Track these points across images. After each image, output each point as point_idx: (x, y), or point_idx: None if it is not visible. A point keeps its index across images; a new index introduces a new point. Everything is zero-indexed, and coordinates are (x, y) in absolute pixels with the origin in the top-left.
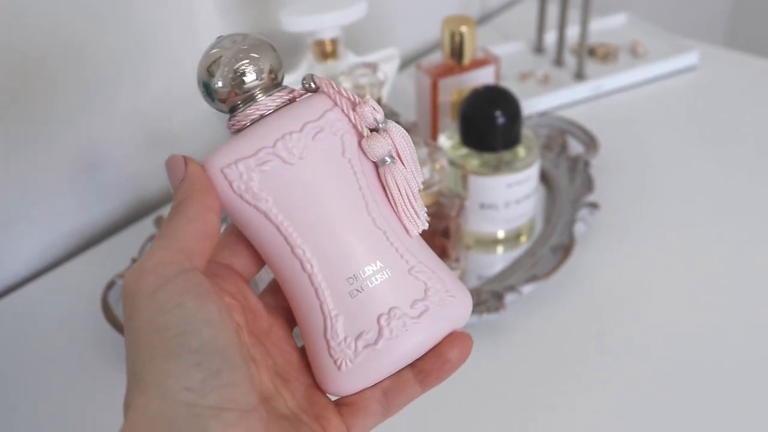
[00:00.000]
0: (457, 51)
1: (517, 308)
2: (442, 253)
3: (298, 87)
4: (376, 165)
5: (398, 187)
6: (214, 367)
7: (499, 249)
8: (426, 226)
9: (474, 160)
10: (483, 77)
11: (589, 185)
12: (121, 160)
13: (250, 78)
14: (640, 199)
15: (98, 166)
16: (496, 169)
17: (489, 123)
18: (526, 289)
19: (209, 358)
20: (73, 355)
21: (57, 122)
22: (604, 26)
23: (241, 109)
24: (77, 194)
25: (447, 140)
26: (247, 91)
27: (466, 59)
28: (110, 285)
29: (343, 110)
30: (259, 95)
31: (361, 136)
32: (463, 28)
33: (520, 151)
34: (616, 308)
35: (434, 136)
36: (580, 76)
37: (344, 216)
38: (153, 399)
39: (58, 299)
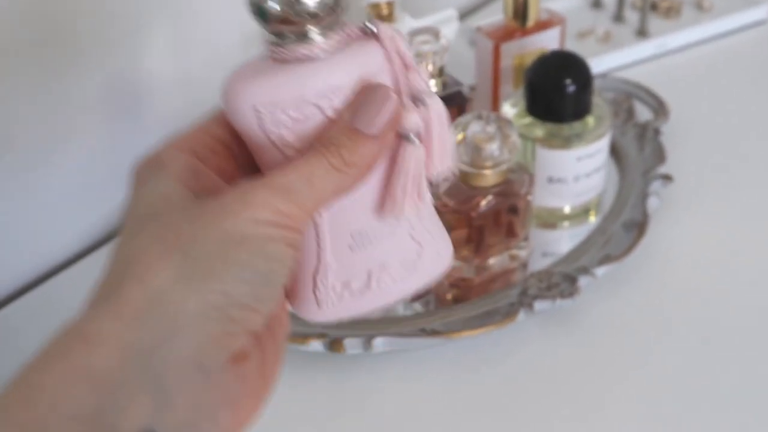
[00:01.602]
0: (520, 12)
1: (590, 291)
2: (509, 232)
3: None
4: (399, 135)
5: (406, 171)
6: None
7: (566, 224)
8: (423, 209)
9: (539, 130)
10: (548, 40)
11: (660, 155)
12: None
13: (310, 6)
14: (716, 168)
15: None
16: (567, 141)
17: (558, 92)
18: (600, 270)
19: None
20: None
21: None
22: None
23: (292, 39)
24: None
25: (510, 108)
26: (303, 22)
27: (531, 21)
28: None
29: (394, 71)
30: (314, 32)
31: (399, 103)
32: None
33: (590, 120)
34: (697, 289)
35: (495, 104)
36: (642, 32)
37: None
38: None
39: None
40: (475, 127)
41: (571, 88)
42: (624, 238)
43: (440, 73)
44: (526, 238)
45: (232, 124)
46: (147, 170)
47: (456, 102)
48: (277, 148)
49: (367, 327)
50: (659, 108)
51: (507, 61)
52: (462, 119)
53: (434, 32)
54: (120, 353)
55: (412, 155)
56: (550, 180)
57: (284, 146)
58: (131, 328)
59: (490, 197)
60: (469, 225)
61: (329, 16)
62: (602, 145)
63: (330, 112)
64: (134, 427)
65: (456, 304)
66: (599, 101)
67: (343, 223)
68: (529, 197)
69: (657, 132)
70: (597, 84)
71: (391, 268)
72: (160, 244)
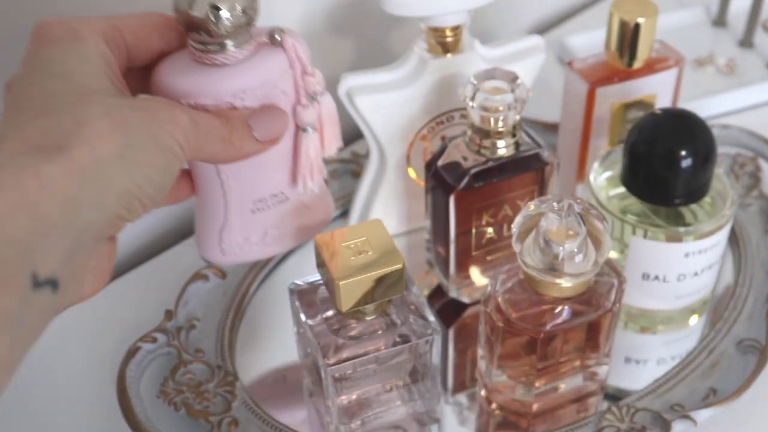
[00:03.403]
0: (627, 48)
1: None
2: (588, 345)
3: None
4: (298, 126)
5: (308, 155)
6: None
7: (659, 328)
8: (316, 189)
9: (635, 210)
10: (659, 85)
11: None
12: None
13: (227, 24)
14: None
15: None
16: (673, 231)
17: (669, 167)
18: (703, 414)
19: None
20: None
21: None
22: None
23: (212, 48)
24: None
25: (601, 172)
26: (221, 36)
27: (639, 61)
28: (132, 352)
29: (294, 76)
30: (230, 44)
31: (298, 101)
32: (641, 19)
33: (706, 203)
34: None
35: (582, 164)
36: None
37: (271, 157)
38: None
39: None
40: (551, 220)
41: (687, 164)
42: (737, 363)
43: (513, 130)
44: (607, 354)
45: None
46: (59, 32)
47: (532, 167)
48: None
49: None
50: None
51: (603, 108)
52: (535, 205)
53: (511, 78)
54: (59, 202)
55: (310, 142)
56: (646, 277)
57: None
58: (74, 183)
59: (564, 311)
60: (533, 343)
61: (243, 31)
62: (721, 237)
63: (241, 108)
64: (47, 272)
65: None
66: (720, 174)
67: (248, 192)
68: (617, 308)
69: None
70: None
71: (284, 226)
72: (109, 120)
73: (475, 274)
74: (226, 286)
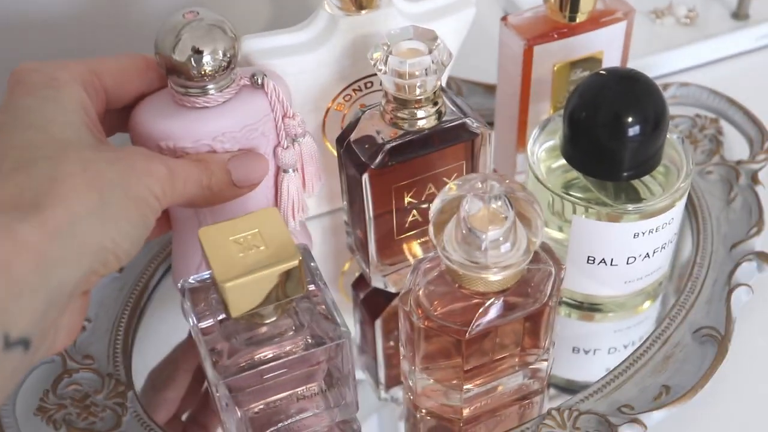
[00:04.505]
0: (568, 0)
1: None
2: (525, 341)
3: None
4: (279, 167)
5: (289, 195)
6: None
7: (609, 315)
8: (297, 227)
9: (580, 180)
10: (606, 40)
11: (758, 216)
12: None
13: (208, 68)
14: None
15: None
16: (616, 210)
17: (613, 135)
18: (655, 416)
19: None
20: None
21: None
22: None
23: (194, 92)
24: None
25: (540, 141)
26: (202, 80)
27: (583, 14)
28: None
29: (275, 118)
30: (211, 87)
31: (278, 142)
32: None
33: (659, 173)
34: None
35: (522, 131)
36: (740, 15)
37: (252, 197)
38: None
39: None
40: (472, 204)
41: (635, 132)
42: (694, 355)
43: (434, 97)
44: (547, 349)
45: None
46: (37, 79)
47: (459, 139)
48: None
49: None
50: (760, 140)
51: (544, 69)
52: (455, 186)
53: (429, 38)
54: (33, 262)
55: (291, 182)
56: (591, 260)
57: None
58: (49, 242)
59: (494, 306)
60: (458, 345)
61: (224, 75)
62: (674, 214)
63: (220, 150)
64: (18, 332)
65: None
66: (674, 141)
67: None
68: (554, 301)
69: (755, 179)
70: (672, 93)
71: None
72: (85, 176)
73: (408, 258)
74: (123, 280)
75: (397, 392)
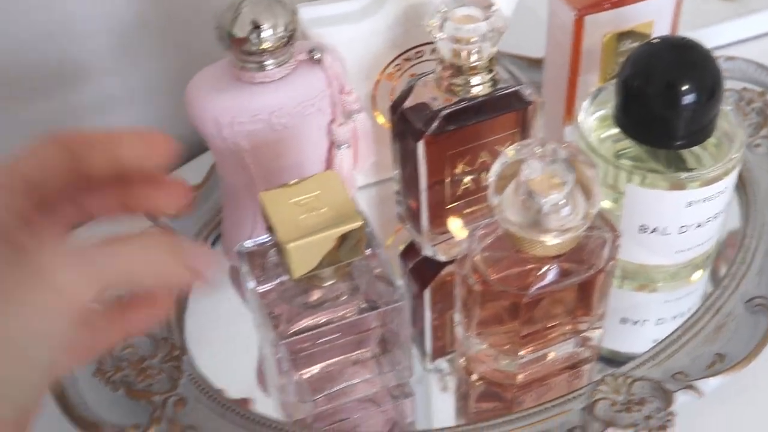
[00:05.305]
0: None
1: (690, 413)
2: (578, 308)
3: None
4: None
5: (341, 171)
6: None
7: (659, 286)
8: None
9: (631, 155)
10: (656, 11)
11: None
12: None
13: (268, 43)
14: None
15: None
16: (674, 177)
17: (668, 103)
18: (711, 383)
19: None
20: None
21: None
22: None
23: (252, 66)
24: None
25: (591, 111)
26: (261, 55)
27: None
28: None
29: (331, 94)
30: (269, 62)
31: (333, 118)
32: None
33: (711, 144)
34: None
35: (570, 103)
36: None
37: (305, 173)
38: None
39: None
40: (533, 168)
41: (690, 100)
42: (746, 325)
43: (490, 65)
44: (601, 316)
45: (196, 129)
46: None
47: (512, 107)
48: (234, 152)
49: None
50: None
51: (593, 39)
52: (514, 150)
53: (485, 5)
54: None
55: (344, 158)
56: (644, 229)
57: (239, 151)
58: None
59: (550, 271)
60: (516, 308)
61: (282, 50)
62: (728, 183)
63: (277, 126)
64: None
65: (484, 421)
66: (727, 112)
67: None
68: (610, 267)
69: None
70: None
71: None
72: None
73: (454, 228)
74: None
75: (443, 364)
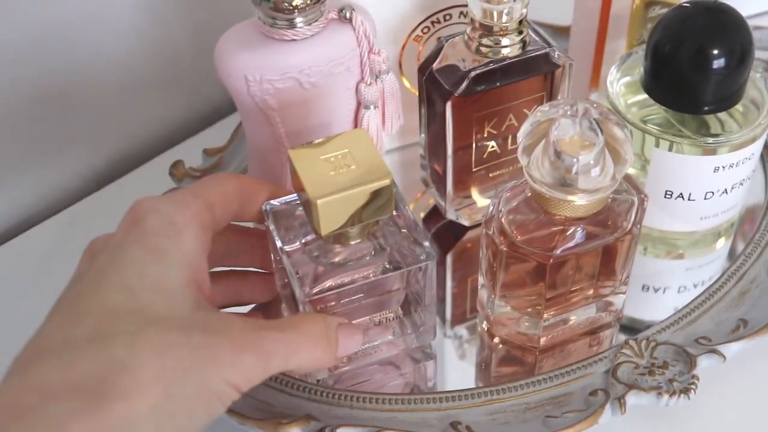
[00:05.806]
0: None
1: (713, 377)
2: (603, 272)
3: None
4: (360, 103)
5: (369, 130)
6: None
7: (681, 253)
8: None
9: (658, 119)
10: None
11: None
12: None
13: (298, 1)
14: None
15: None
16: (703, 143)
17: (698, 68)
18: (733, 348)
19: None
20: None
21: None
22: None
23: (282, 24)
24: None
25: (619, 78)
26: (291, 12)
27: None
28: None
29: (360, 54)
30: (299, 20)
31: (361, 78)
32: None
33: (738, 110)
34: None
35: (597, 68)
36: None
37: (324, 128)
38: None
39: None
40: (563, 128)
41: (720, 64)
42: None
43: (520, 26)
44: (625, 281)
45: (225, 86)
46: (155, 224)
47: (541, 69)
48: (261, 110)
49: (374, 420)
50: None
51: (622, 5)
52: (544, 110)
53: None
54: None
55: (371, 119)
56: (669, 195)
57: (267, 109)
58: None
59: (576, 233)
60: (541, 270)
61: (313, 9)
62: (755, 149)
63: (306, 84)
64: None
65: (505, 383)
66: (756, 79)
67: None
68: (636, 230)
69: None
70: None
71: None
72: (157, 366)
73: (476, 193)
74: None
75: (462, 330)
